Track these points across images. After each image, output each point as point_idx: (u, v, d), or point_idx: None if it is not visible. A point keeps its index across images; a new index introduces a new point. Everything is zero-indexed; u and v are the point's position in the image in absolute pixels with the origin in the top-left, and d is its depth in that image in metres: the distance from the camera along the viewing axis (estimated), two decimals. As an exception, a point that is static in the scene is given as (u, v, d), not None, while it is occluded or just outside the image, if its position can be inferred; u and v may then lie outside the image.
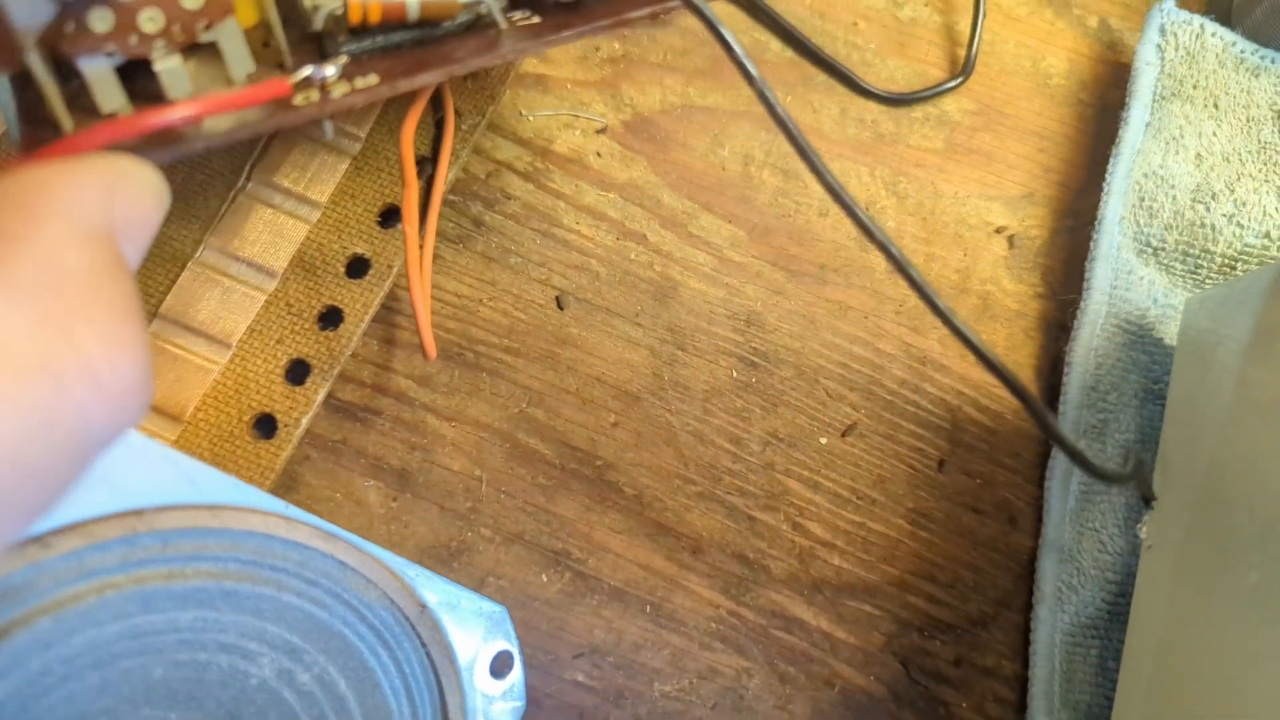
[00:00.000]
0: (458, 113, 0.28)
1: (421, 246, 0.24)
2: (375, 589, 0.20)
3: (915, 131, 0.32)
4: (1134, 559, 0.26)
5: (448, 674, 0.21)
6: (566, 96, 0.31)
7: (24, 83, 0.16)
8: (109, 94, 0.16)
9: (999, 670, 0.26)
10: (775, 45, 0.32)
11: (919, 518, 0.27)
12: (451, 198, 0.29)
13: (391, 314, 0.28)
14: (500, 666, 0.22)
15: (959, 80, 0.32)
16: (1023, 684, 0.26)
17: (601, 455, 0.27)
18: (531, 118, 0.31)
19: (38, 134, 0.16)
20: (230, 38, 0.16)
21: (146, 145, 0.16)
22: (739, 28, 0.32)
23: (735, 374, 0.28)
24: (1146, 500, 0.26)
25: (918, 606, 0.27)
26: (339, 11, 0.17)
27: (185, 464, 0.18)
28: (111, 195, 0.13)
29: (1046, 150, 0.32)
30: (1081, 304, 0.29)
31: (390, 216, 0.27)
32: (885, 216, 0.31)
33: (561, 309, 0.29)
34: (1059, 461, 0.28)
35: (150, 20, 0.15)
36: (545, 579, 0.26)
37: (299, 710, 0.19)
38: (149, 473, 0.18)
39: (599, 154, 0.30)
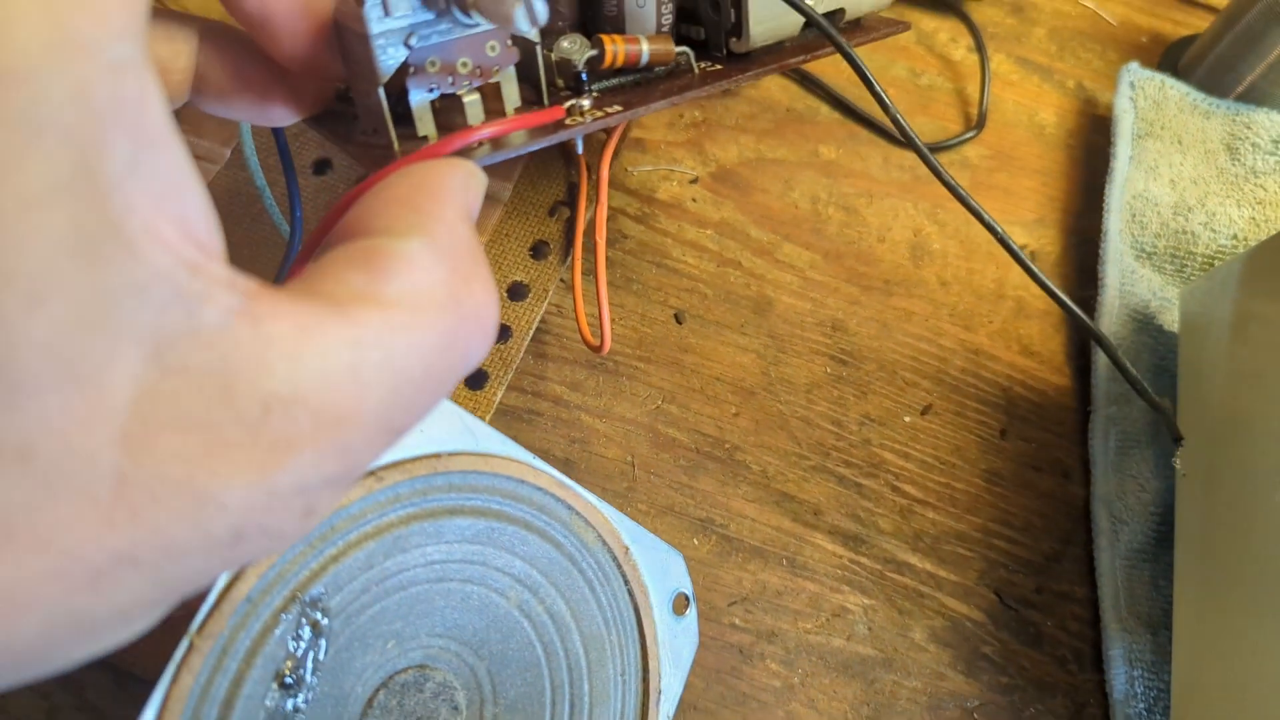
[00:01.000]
0: (587, 167, 0.34)
1: (596, 261, 0.30)
2: (593, 531, 0.25)
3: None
4: (1169, 495, 0.32)
5: (645, 609, 0.25)
6: (662, 155, 0.37)
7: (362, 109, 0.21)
8: (425, 119, 0.21)
9: (1073, 594, 0.32)
10: (825, 109, 0.39)
11: (991, 476, 0.33)
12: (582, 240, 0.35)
13: (541, 334, 0.33)
14: (679, 606, 0.26)
15: (974, 132, 0.40)
16: (1094, 604, 0.31)
17: (728, 439, 0.33)
18: (636, 173, 0.37)
19: (401, 144, 0.21)
20: (509, 79, 0.22)
21: (463, 154, 0.21)
22: (794, 95, 0.39)
23: (829, 370, 0.34)
24: (1176, 439, 0.32)
25: (1001, 547, 0.32)
26: (595, 57, 0.23)
27: (467, 419, 0.23)
28: (469, 187, 0.19)
29: (1049, 184, 0.40)
30: (1099, 298, 0.36)
31: (540, 249, 0.33)
32: (931, 240, 0.37)
33: (680, 324, 0.34)
34: (1098, 423, 0.34)
35: (464, 65, 0.21)
36: (696, 542, 0.31)
37: (534, 638, 0.23)
38: (443, 423, 0.23)
39: (694, 199, 0.37)
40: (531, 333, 0.32)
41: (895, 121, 0.26)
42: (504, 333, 0.32)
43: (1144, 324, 0.36)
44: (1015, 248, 0.27)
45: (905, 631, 0.30)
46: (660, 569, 0.24)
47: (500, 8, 0.16)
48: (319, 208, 0.33)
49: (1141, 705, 0.30)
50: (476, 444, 0.23)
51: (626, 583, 0.25)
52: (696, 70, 0.25)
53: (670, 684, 0.24)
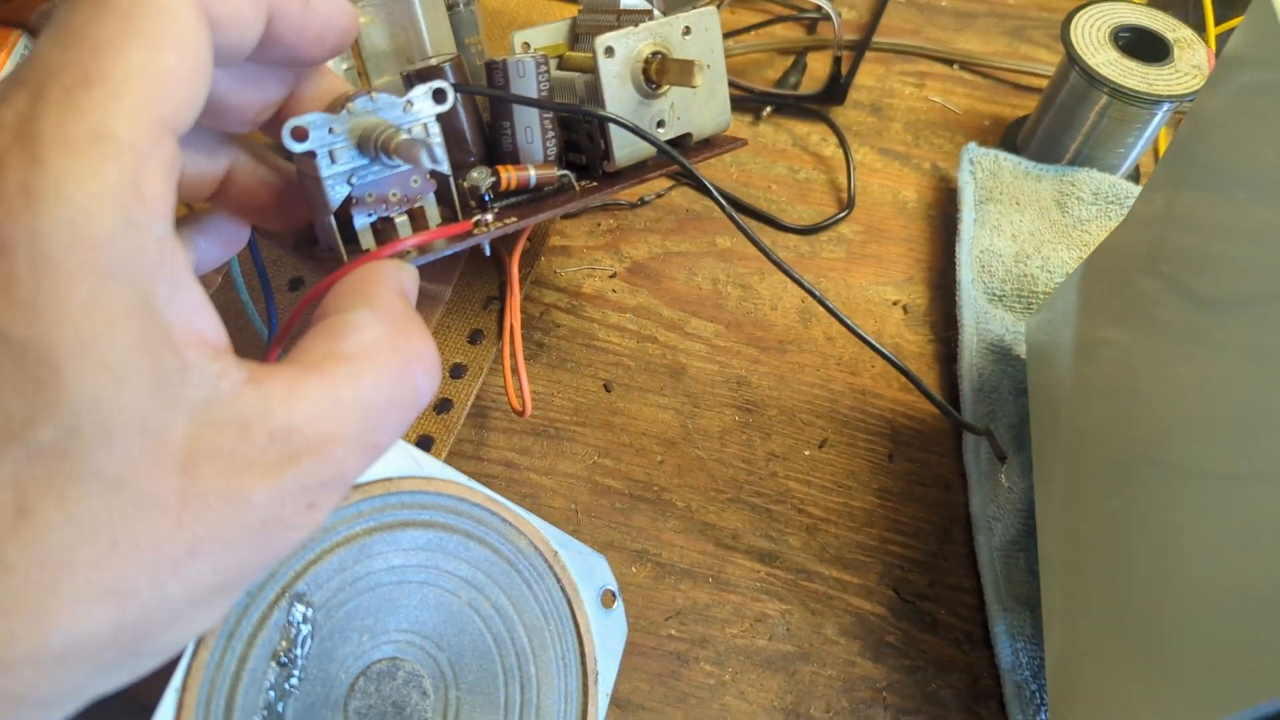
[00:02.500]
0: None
1: (512, 340, 0.36)
2: (525, 539, 0.30)
3: (824, 249, 0.47)
4: (1031, 493, 0.38)
5: (577, 603, 0.30)
6: (585, 257, 0.45)
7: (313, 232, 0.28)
8: (367, 237, 0.28)
9: (961, 585, 0.37)
10: (718, 208, 0.47)
11: (883, 493, 0.39)
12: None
13: (491, 411, 0.39)
14: (606, 601, 0.31)
15: (846, 212, 0.47)
16: (979, 592, 0.37)
17: (656, 483, 0.38)
18: (563, 273, 0.44)
19: (335, 256, 0.27)
20: (430, 204, 0.29)
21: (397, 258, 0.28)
22: (692, 199, 0.47)
23: (737, 418, 0.40)
24: (1001, 458, 0.38)
25: (896, 551, 0.38)
26: (494, 183, 0.30)
27: (414, 452, 0.29)
28: (400, 270, 0.25)
29: (915, 249, 0.47)
30: (960, 338, 0.43)
31: (476, 336, 0.40)
32: (816, 304, 0.44)
33: (609, 392, 0.41)
34: (969, 441, 0.40)
35: (394, 195, 0.28)
36: (634, 570, 0.36)
37: (484, 630, 0.28)
38: (394, 456, 0.28)
39: (614, 290, 0.44)
40: (470, 403, 0.38)
41: (729, 215, 0.33)
42: (446, 405, 0.38)
43: (1001, 356, 0.42)
44: (834, 308, 0.34)
45: (819, 629, 0.35)
46: (587, 569, 0.30)
47: (410, 153, 0.23)
48: (298, 326, 0.40)
49: (1027, 672, 0.35)
50: (421, 470, 0.29)
51: (558, 580, 0.30)
52: (577, 187, 0.32)
53: (606, 667, 0.29)
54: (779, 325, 0.43)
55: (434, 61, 0.32)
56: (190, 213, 0.25)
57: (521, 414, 0.35)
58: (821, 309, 0.44)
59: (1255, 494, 0.22)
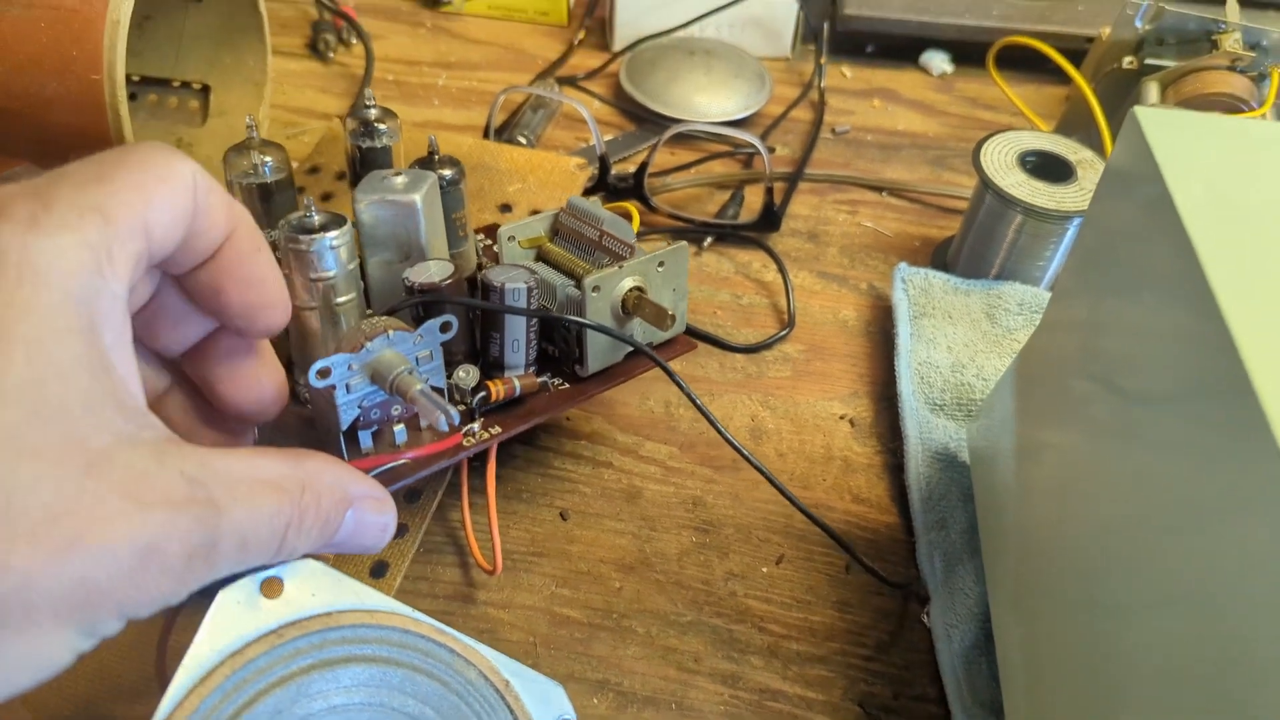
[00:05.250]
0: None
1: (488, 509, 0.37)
2: (474, 669, 0.29)
3: (771, 369, 0.48)
4: (988, 601, 0.38)
5: None
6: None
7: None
8: (366, 442, 0.30)
9: (926, 694, 0.37)
10: (667, 333, 0.49)
11: (842, 605, 0.39)
12: (475, 463, 0.42)
13: (439, 545, 0.39)
14: None
15: (787, 330, 0.49)
16: (944, 700, 0.36)
17: (615, 609, 0.38)
18: (518, 405, 0.45)
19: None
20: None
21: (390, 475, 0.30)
22: (641, 327, 0.49)
23: (694, 539, 0.41)
24: (921, 601, 0.39)
25: (858, 664, 0.37)
26: (484, 396, 0.34)
27: (352, 583, 0.28)
28: (359, 481, 0.26)
29: (858, 365, 0.49)
30: (905, 449, 0.44)
31: (413, 495, 0.40)
32: (766, 422, 0.45)
33: (565, 520, 0.41)
34: (923, 548, 0.40)
35: (395, 410, 0.30)
36: (595, 700, 0.36)
37: None
38: (333, 589, 0.28)
39: (568, 418, 0.45)
40: (420, 538, 0.38)
41: (685, 392, 0.35)
42: (402, 529, 0.38)
43: (947, 464, 0.43)
44: (747, 454, 0.35)
45: (785, 751, 0.35)
46: (542, 698, 0.29)
47: (429, 415, 0.27)
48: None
49: (998, 785, 0.34)
50: (363, 604, 0.29)
51: (511, 710, 0.29)
52: (552, 388, 0.37)
53: None
54: (729, 446, 0.44)
55: (435, 278, 0.34)
56: None
57: (491, 573, 0.36)
58: (771, 425, 0.45)
59: (1196, 592, 0.23)
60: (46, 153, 0.45)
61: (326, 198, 0.51)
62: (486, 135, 0.57)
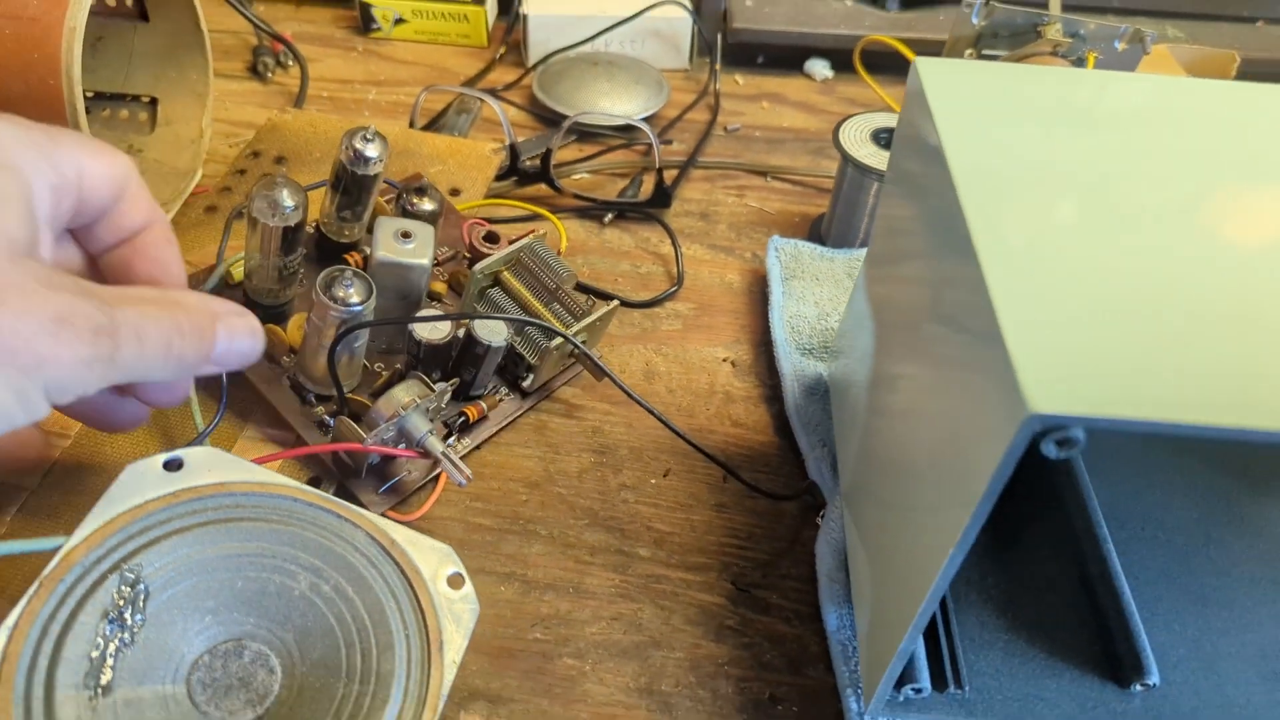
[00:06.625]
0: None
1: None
2: (361, 531, 0.33)
3: (664, 324, 0.55)
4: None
5: (418, 581, 0.32)
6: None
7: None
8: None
9: (791, 574, 0.43)
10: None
11: (720, 507, 0.45)
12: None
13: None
14: (454, 583, 0.33)
15: (675, 288, 0.56)
16: (806, 580, 0.43)
17: (522, 517, 0.44)
18: (438, 358, 0.51)
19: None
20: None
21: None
22: (549, 292, 0.55)
23: (592, 460, 0.47)
24: (817, 508, 0.45)
25: (733, 553, 0.44)
26: (464, 420, 0.39)
27: (248, 465, 0.33)
28: (221, 301, 0.32)
29: (740, 318, 0.56)
30: (783, 385, 0.50)
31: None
32: (658, 365, 0.52)
33: (479, 449, 0.47)
34: (811, 464, 0.47)
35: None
36: (503, 589, 0.41)
37: (326, 611, 0.31)
38: (228, 466, 0.32)
39: (483, 368, 0.51)
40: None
41: (615, 382, 0.41)
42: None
43: (818, 398, 0.50)
44: (626, 388, 0.42)
45: (667, 620, 0.41)
46: (432, 554, 0.34)
47: (451, 474, 0.37)
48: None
49: (849, 633, 0.40)
50: (255, 478, 0.33)
51: (396, 563, 0.32)
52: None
53: (452, 637, 0.33)
54: (626, 384, 0.51)
55: (439, 340, 0.43)
56: None
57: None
58: (663, 368, 0.52)
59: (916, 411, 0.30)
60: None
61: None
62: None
